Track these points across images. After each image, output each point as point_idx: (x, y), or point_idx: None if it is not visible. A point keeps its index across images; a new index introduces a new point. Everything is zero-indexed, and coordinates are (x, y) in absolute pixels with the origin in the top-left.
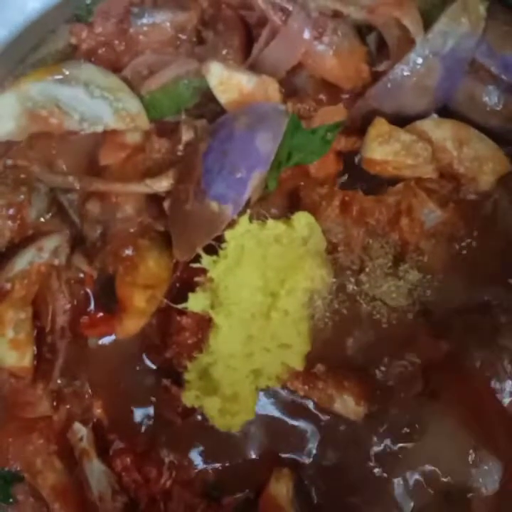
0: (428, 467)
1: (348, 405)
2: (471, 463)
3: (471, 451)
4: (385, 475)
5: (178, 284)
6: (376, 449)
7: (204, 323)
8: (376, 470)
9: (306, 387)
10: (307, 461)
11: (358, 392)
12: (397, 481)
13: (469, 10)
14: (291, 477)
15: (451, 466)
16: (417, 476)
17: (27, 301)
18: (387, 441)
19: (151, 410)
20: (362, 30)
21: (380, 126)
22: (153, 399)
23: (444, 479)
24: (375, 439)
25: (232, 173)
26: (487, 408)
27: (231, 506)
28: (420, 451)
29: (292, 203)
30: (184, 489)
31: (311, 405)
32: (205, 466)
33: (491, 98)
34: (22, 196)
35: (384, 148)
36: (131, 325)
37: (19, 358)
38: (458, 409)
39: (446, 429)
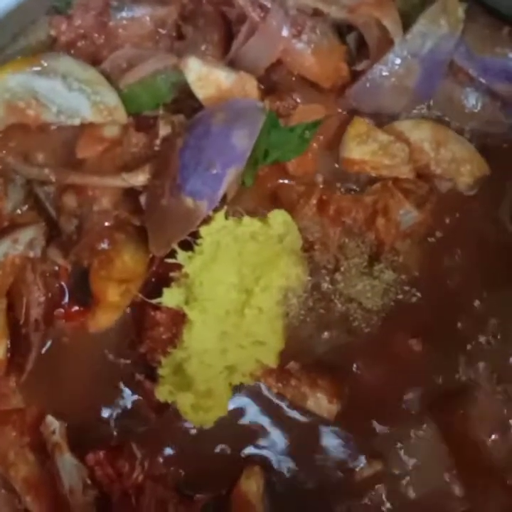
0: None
1: (320, 403)
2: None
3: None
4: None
5: (153, 279)
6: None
7: (178, 319)
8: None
9: (280, 384)
10: (276, 459)
11: (331, 390)
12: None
13: (448, 12)
14: (261, 475)
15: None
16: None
17: (1, 293)
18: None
19: (125, 404)
20: (342, 29)
21: (358, 125)
22: (127, 393)
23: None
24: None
25: (208, 169)
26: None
27: (202, 502)
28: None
29: (269, 201)
30: (156, 484)
31: (284, 403)
32: (177, 462)
33: (470, 100)
34: None
35: (362, 148)
36: (105, 319)
37: None
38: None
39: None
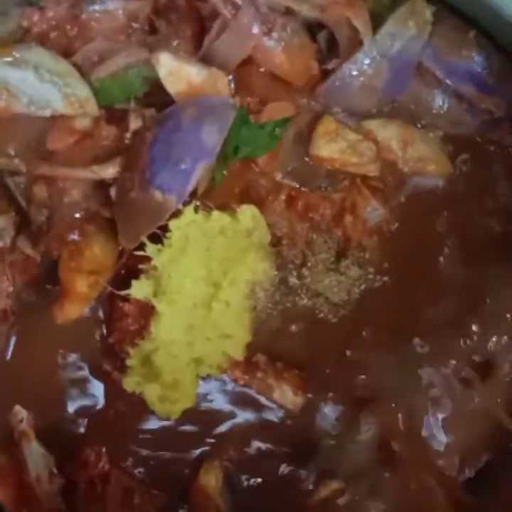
0: None
1: (286, 395)
2: None
3: None
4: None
5: (122, 271)
6: None
7: (147, 311)
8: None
9: (246, 376)
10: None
11: (296, 383)
12: None
13: (416, 14)
14: (220, 469)
15: None
16: None
17: None
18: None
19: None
20: (313, 28)
21: (327, 124)
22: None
23: None
24: None
25: (177, 164)
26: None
27: (167, 492)
28: None
29: (238, 196)
30: (122, 473)
31: (250, 394)
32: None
33: (436, 101)
34: None
35: (331, 146)
36: (73, 310)
37: None
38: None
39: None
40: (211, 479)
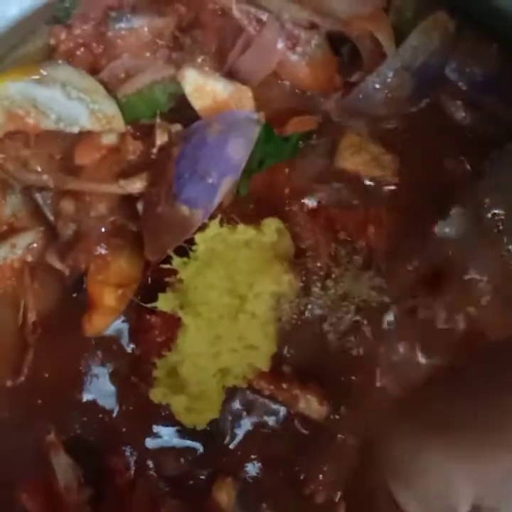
0: None
1: (311, 405)
2: None
3: None
4: None
5: (149, 284)
6: None
7: (173, 323)
8: None
9: (272, 386)
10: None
11: (321, 392)
12: None
13: (440, 27)
14: (233, 486)
15: None
16: None
17: None
18: None
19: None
20: (336, 41)
21: (351, 136)
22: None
23: None
24: None
25: (204, 179)
26: None
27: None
28: None
29: (263, 209)
30: (148, 482)
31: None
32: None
33: (459, 113)
34: None
35: (355, 159)
36: (101, 323)
37: None
38: None
39: None
40: (223, 496)
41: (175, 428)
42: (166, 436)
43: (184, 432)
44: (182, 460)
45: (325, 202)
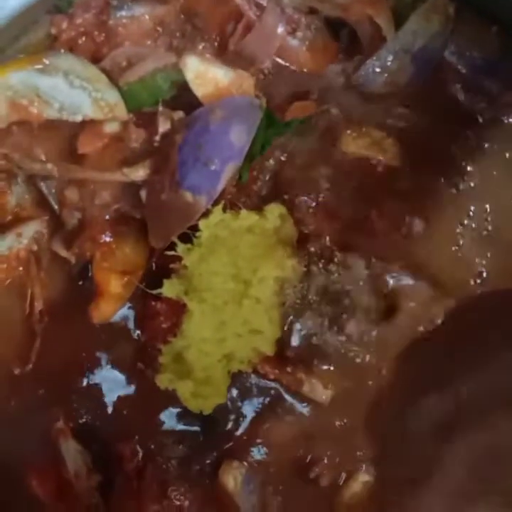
0: None
1: (316, 388)
2: None
3: None
4: None
5: (153, 270)
6: None
7: (178, 309)
8: None
9: (276, 370)
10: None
11: (326, 376)
12: None
13: (439, 10)
14: (239, 470)
15: None
16: None
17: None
18: None
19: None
20: (335, 25)
21: (352, 120)
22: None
23: None
24: None
25: (207, 165)
26: None
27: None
28: None
29: (266, 194)
30: (157, 467)
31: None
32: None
33: (459, 96)
34: (2, 183)
35: (356, 143)
36: (108, 310)
37: None
38: None
39: None
40: (230, 480)
41: (181, 413)
42: (173, 421)
43: (190, 417)
44: (188, 445)
45: (327, 186)
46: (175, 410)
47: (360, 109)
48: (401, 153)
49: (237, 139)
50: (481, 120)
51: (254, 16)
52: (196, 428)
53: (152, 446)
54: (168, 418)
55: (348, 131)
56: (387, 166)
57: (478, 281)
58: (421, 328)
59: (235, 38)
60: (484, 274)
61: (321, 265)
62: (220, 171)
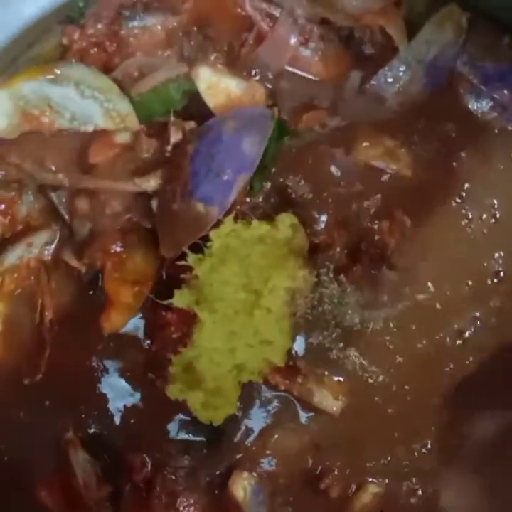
0: None
1: (326, 399)
2: None
3: None
4: None
5: (164, 281)
6: None
7: (189, 319)
8: None
9: (287, 381)
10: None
11: (337, 387)
12: None
13: (452, 20)
14: (249, 481)
15: None
16: None
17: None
18: None
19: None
20: (348, 36)
21: (364, 130)
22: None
23: None
24: None
25: (219, 176)
26: None
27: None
28: None
29: (277, 204)
30: (166, 478)
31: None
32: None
33: (470, 106)
34: (13, 192)
35: (368, 152)
36: (119, 320)
37: None
38: None
39: None
40: (239, 491)
41: (188, 424)
42: (180, 432)
43: (197, 427)
44: (193, 455)
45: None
46: (182, 421)
47: (373, 118)
48: (413, 163)
49: (249, 149)
50: (496, 130)
51: (267, 26)
52: (202, 438)
53: (159, 456)
54: (175, 428)
55: (361, 141)
56: (398, 175)
57: (495, 280)
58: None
59: (246, 48)
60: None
61: (331, 275)
62: (232, 182)
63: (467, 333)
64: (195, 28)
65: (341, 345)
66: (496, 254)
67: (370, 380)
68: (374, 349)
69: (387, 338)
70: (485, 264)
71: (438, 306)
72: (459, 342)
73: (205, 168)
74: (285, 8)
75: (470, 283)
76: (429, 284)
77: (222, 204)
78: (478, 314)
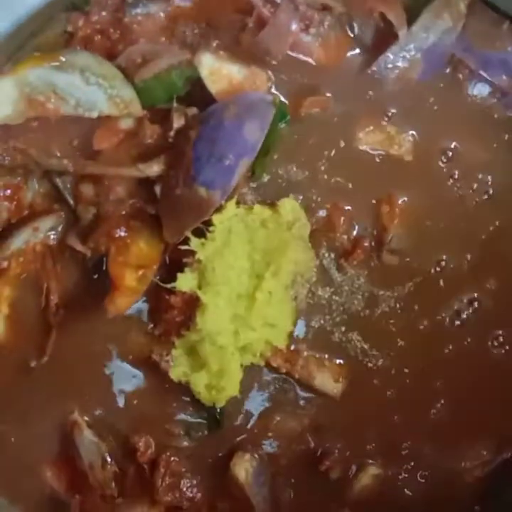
0: None
1: (327, 382)
2: None
3: None
4: None
5: (167, 264)
6: None
7: (192, 302)
8: None
9: (288, 364)
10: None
11: (337, 369)
12: None
13: (451, 6)
14: (250, 463)
15: None
16: None
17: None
18: None
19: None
20: (348, 22)
21: (365, 116)
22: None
23: None
24: None
25: (221, 161)
26: None
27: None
28: None
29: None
30: (170, 460)
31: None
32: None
33: (469, 91)
34: (19, 178)
35: (369, 138)
36: (123, 303)
37: None
38: None
39: None
40: (241, 472)
41: (193, 406)
42: (185, 414)
43: (203, 410)
44: (198, 437)
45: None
46: (184, 403)
47: (373, 104)
48: (413, 148)
49: (250, 134)
50: (495, 116)
51: (268, 12)
52: (202, 420)
53: (161, 438)
54: (178, 410)
55: (362, 126)
56: (398, 160)
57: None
58: None
59: (247, 34)
60: None
61: (333, 260)
62: (234, 166)
63: (465, 313)
64: (197, 15)
65: (343, 328)
66: (491, 228)
67: (370, 364)
68: (374, 332)
69: (391, 321)
70: (483, 237)
71: (441, 283)
72: (457, 323)
73: (207, 153)
74: None
75: (469, 257)
76: (429, 264)
77: (224, 188)
78: (476, 295)
